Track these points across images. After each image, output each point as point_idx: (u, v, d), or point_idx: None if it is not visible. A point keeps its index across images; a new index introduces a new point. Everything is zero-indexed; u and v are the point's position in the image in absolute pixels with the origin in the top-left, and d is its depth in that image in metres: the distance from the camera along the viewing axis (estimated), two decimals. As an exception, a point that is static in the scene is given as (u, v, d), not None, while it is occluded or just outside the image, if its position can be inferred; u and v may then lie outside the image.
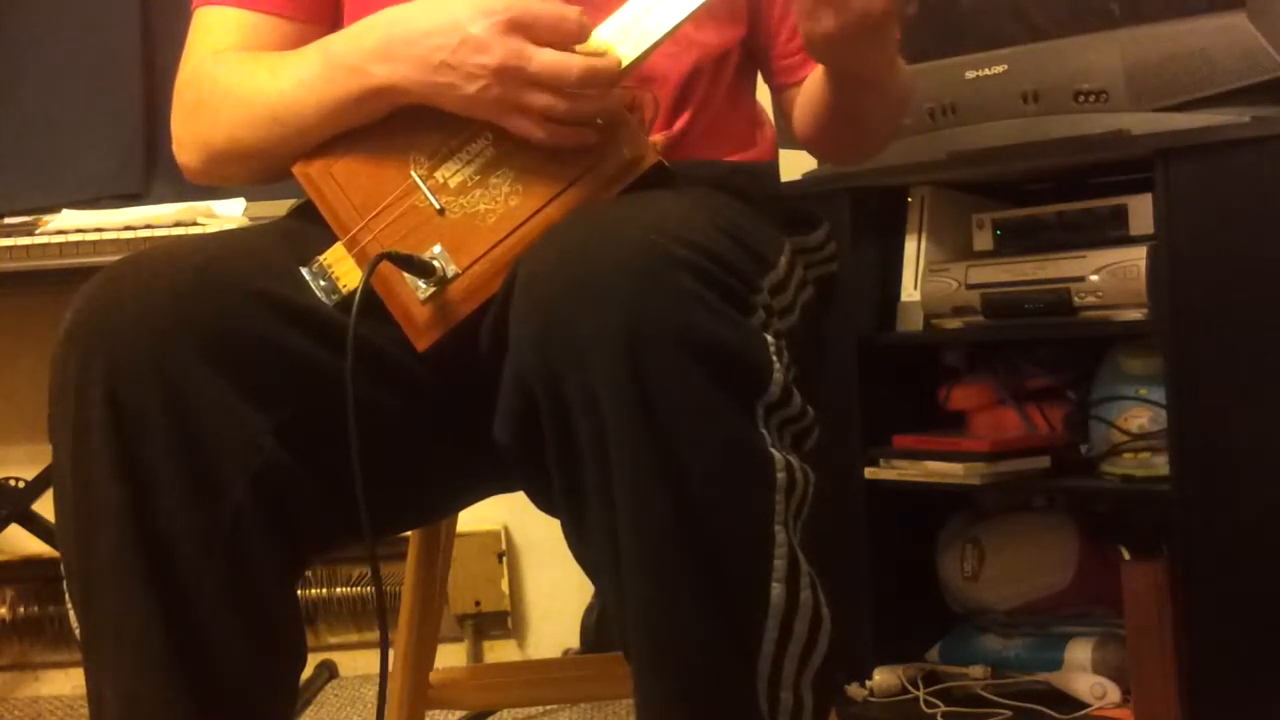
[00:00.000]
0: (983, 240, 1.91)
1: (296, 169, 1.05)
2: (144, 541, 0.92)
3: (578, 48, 0.97)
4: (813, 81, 1.20)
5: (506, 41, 0.95)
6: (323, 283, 1.00)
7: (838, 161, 1.31)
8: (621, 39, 0.98)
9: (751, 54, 1.25)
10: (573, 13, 0.96)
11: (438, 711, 1.94)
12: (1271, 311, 1.58)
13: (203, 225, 2.03)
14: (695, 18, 0.99)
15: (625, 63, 0.98)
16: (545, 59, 0.95)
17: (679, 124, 1.14)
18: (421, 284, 0.98)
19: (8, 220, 2.15)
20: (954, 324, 1.90)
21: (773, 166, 1.26)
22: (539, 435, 0.88)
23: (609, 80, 0.96)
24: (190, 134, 1.12)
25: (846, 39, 0.98)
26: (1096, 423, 1.80)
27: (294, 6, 1.15)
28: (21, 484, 2.30)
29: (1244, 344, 1.60)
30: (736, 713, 0.86)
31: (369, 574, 2.47)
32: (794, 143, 1.32)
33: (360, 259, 1.00)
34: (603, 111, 0.97)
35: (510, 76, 0.95)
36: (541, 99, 0.95)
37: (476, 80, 0.96)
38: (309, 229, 1.06)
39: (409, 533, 1.41)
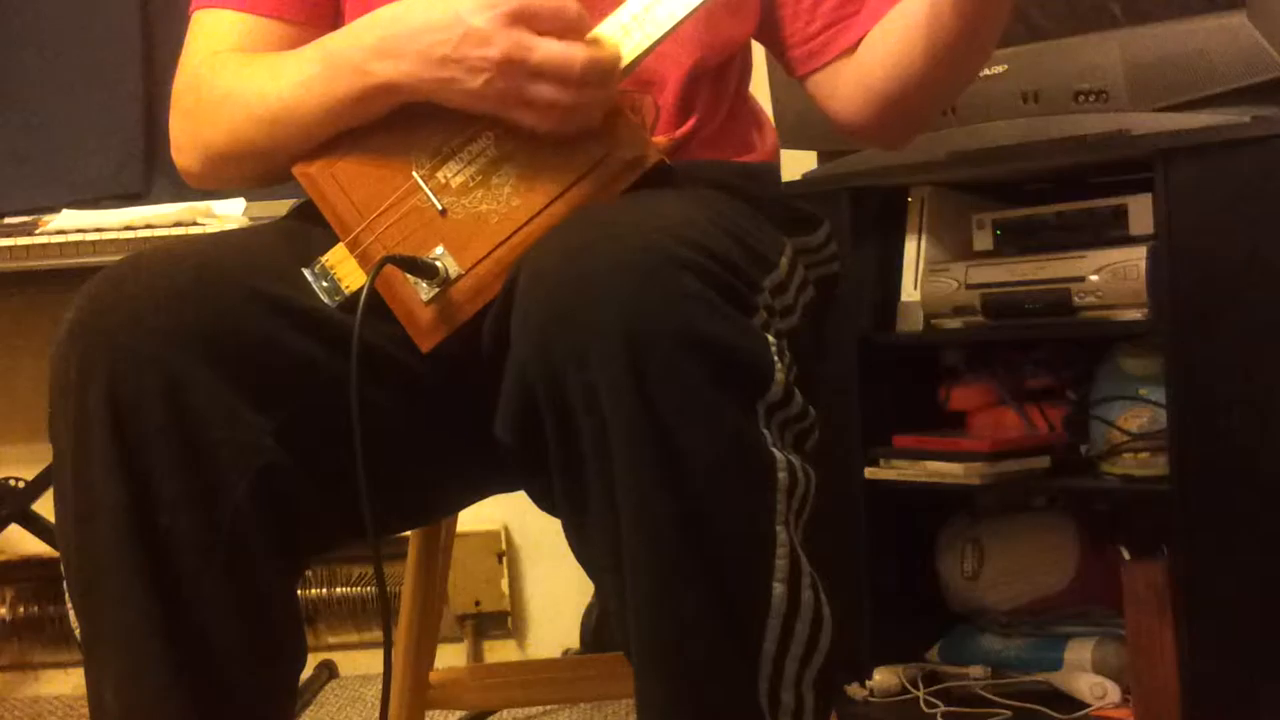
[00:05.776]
0: (983, 240, 1.91)
1: (297, 170, 1.05)
2: (144, 541, 0.92)
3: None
4: (905, 15, 1.13)
5: (509, 33, 0.94)
6: (325, 283, 1.00)
7: (899, 125, 1.21)
8: (623, 38, 0.98)
9: (763, 46, 1.24)
10: (572, 4, 0.96)
11: (438, 711, 1.94)
12: (1271, 311, 1.58)
13: (203, 225, 2.03)
14: (707, 13, 0.99)
15: (626, 61, 0.98)
16: (549, 50, 0.94)
17: (684, 129, 1.14)
18: (424, 285, 0.98)
19: (8, 220, 2.15)
20: (954, 324, 1.90)
21: (774, 168, 1.25)
22: (541, 434, 0.88)
23: (613, 70, 0.96)
24: (189, 137, 1.12)
25: None
26: (1096, 423, 1.80)
27: (293, 8, 1.14)
28: (21, 484, 2.30)
29: (1244, 344, 1.60)
30: (738, 713, 0.86)
31: (369, 574, 2.47)
32: (800, 142, 1.29)
33: (363, 260, 1.00)
34: (607, 102, 0.97)
35: (514, 68, 0.94)
36: (546, 90, 0.95)
37: (480, 73, 0.95)
38: (310, 229, 1.06)
39: (409, 533, 1.41)
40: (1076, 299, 1.74)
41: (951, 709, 1.85)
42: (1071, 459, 1.84)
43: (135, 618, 0.92)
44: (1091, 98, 1.71)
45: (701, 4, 0.97)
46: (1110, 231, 1.77)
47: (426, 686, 1.43)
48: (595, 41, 0.96)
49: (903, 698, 1.90)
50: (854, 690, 1.91)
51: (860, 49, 1.18)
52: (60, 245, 2.01)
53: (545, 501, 0.95)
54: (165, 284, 0.95)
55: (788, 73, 1.25)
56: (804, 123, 1.80)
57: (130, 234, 2.01)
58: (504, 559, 2.47)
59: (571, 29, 0.95)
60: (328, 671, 2.48)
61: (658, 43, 0.98)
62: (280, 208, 1.69)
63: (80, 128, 2.32)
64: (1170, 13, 1.66)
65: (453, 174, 1.00)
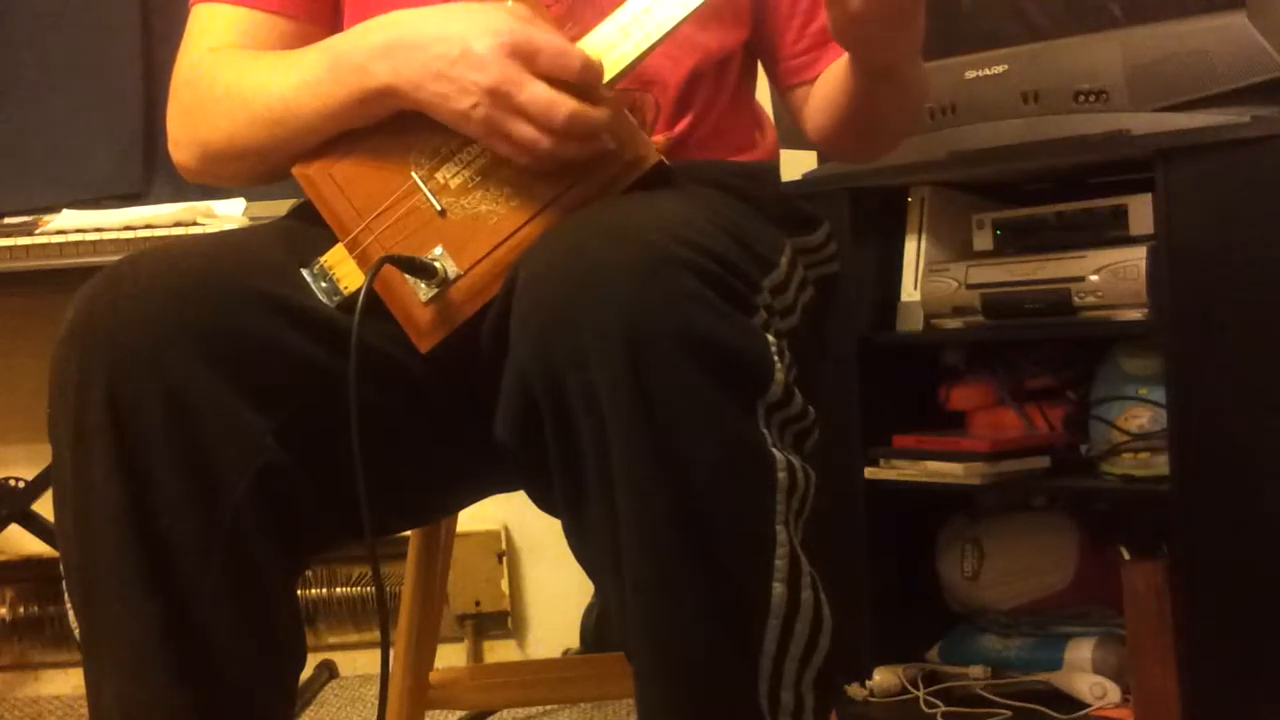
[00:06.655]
0: (983, 240, 1.91)
1: (296, 170, 1.05)
2: (144, 542, 0.92)
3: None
4: (830, 75, 1.19)
5: (504, 64, 0.94)
6: (324, 284, 1.00)
7: (850, 158, 1.30)
8: (621, 38, 0.98)
9: (756, 55, 1.25)
10: (577, 53, 0.96)
11: (438, 711, 1.94)
12: (1271, 311, 1.58)
13: (203, 225, 2.03)
14: (697, 18, 0.99)
15: (625, 63, 0.98)
16: (536, 91, 0.94)
17: (680, 127, 1.14)
18: (423, 286, 0.98)
19: (8, 220, 2.15)
20: (954, 324, 1.90)
21: (774, 167, 1.26)
22: (540, 435, 0.88)
23: (595, 131, 0.96)
24: (187, 133, 1.12)
25: (872, 20, 0.98)
26: (1096, 423, 1.80)
27: (293, 5, 1.15)
28: (21, 484, 2.30)
29: (1244, 344, 1.60)
30: (737, 713, 0.86)
31: (369, 574, 2.47)
32: (800, 142, 1.31)
33: (362, 261, 1.00)
34: (583, 157, 0.97)
35: (500, 100, 0.94)
36: (526, 130, 0.95)
37: (468, 96, 0.95)
38: (309, 229, 1.06)
39: (409, 533, 1.41)
40: (1076, 299, 1.74)
41: (951, 709, 1.84)
42: (1071, 459, 1.84)
43: (135, 618, 0.92)
44: (1091, 98, 1.71)
45: (699, 6, 0.97)
46: (1110, 231, 1.77)
47: (426, 686, 1.43)
48: (590, 96, 0.95)
49: (903, 698, 1.89)
50: (854, 690, 1.91)
51: (816, 81, 1.22)
52: (60, 245, 2.01)
53: (545, 502, 0.95)
54: (165, 284, 0.95)
55: (774, 84, 1.27)
56: (804, 123, 1.81)
57: (130, 234, 2.01)
58: (504, 559, 2.47)
59: (570, 75, 0.95)
60: (328, 671, 2.48)
61: (656, 45, 0.98)
62: (280, 208, 1.69)
63: (80, 128, 2.32)
64: (1170, 13, 1.66)
65: (451, 175, 1.00)
